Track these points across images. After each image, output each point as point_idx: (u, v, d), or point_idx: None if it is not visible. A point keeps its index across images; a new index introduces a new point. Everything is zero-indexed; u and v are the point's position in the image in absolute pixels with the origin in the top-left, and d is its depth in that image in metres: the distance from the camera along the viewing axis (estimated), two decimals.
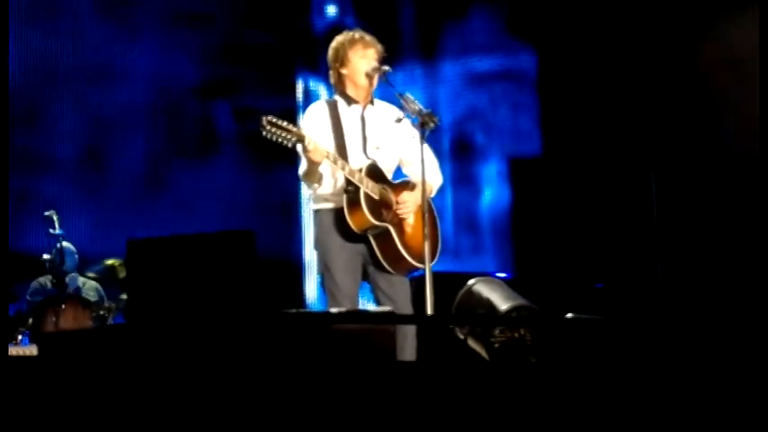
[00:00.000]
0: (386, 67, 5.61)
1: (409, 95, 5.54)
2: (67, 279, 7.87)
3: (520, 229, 8.58)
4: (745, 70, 7.33)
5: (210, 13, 9.22)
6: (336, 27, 9.15)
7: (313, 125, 5.59)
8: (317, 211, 5.70)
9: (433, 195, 5.73)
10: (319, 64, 9.47)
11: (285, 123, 5.33)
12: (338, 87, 5.75)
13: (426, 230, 5.35)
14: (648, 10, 7.95)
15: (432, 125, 5.43)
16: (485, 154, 8.80)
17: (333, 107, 5.69)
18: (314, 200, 5.72)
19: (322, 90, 9.33)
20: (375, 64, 5.61)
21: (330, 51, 5.71)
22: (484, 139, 8.83)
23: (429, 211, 5.57)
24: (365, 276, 5.67)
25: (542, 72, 8.62)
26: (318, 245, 5.69)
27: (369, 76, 5.61)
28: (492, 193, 8.81)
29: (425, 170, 5.46)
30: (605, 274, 7.82)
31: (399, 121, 5.64)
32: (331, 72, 5.74)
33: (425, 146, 5.51)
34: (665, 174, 7.81)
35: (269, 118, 5.33)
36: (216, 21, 9.22)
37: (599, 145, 8.12)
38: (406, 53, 8.90)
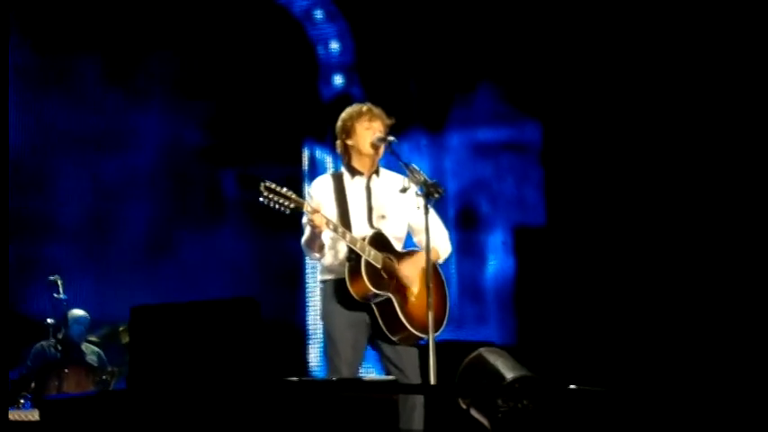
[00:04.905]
0: (391, 138, 5.63)
1: (414, 166, 5.56)
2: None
3: (524, 299, 8.57)
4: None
5: (218, 80, 9.29)
6: (343, 96, 9.22)
7: (318, 197, 5.64)
8: (322, 282, 5.72)
9: (440, 262, 5.74)
10: (326, 133, 9.53)
11: (284, 190, 5.34)
12: (344, 158, 5.78)
13: (430, 299, 5.34)
14: (651, 81, 8.01)
15: (436, 195, 5.44)
16: (490, 224, 8.81)
17: (338, 179, 5.71)
18: (320, 271, 5.75)
19: (328, 159, 9.37)
20: (380, 135, 5.64)
21: (338, 123, 5.75)
22: (489, 209, 8.85)
23: (437, 278, 5.58)
24: (373, 345, 5.66)
25: (547, 144, 8.66)
26: (323, 315, 5.71)
27: (374, 147, 5.63)
28: (496, 262, 8.81)
29: (432, 238, 5.48)
30: (609, 346, 7.79)
31: (405, 190, 5.65)
32: (338, 143, 5.78)
33: (434, 215, 5.54)
34: (668, 246, 7.82)
35: (267, 184, 5.34)
36: (223, 88, 9.28)
37: (603, 216, 8.14)
38: (412, 124, 8.95)
